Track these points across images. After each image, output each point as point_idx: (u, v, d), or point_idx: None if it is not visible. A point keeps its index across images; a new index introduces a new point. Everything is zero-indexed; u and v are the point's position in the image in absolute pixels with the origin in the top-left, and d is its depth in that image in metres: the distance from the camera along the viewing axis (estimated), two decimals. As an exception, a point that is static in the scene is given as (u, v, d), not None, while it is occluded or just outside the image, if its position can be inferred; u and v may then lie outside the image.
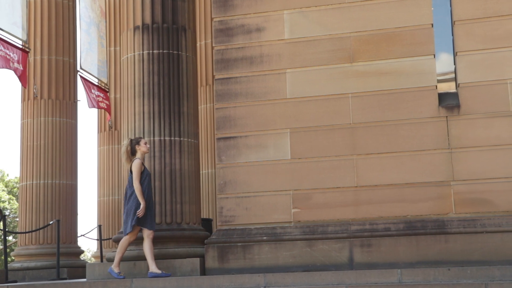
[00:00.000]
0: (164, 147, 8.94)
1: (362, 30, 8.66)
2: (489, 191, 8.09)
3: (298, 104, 8.70)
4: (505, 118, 8.15)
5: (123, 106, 9.31)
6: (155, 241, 8.41)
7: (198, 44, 13.18)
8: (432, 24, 8.50)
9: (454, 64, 8.64)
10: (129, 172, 8.37)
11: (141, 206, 8.11)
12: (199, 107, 12.87)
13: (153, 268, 8.13)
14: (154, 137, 8.94)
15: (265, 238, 8.45)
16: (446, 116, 8.31)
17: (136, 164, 8.26)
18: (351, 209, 8.38)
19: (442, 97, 8.43)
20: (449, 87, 8.59)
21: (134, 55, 9.17)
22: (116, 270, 8.24)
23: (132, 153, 8.38)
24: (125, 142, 8.50)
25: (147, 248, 8.18)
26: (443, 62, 8.73)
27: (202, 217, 10.05)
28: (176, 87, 9.12)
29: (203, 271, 8.50)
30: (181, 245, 8.70)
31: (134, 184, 8.19)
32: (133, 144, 8.39)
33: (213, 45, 9.11)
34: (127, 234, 8.26)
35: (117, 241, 9.06)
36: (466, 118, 8.26)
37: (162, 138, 8.94)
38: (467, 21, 8.42)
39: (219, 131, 8.91)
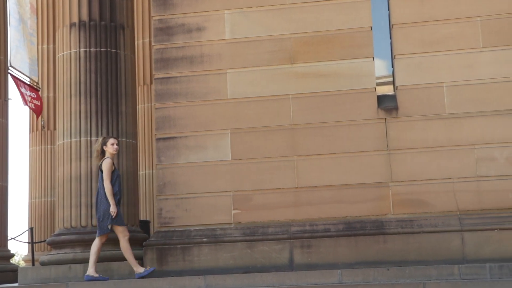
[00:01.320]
0: (102, 147, 8.70)
1: (303, 32, 8.68)
2: (426, 192, 8.23)
3: (238, 104, 8.65)
4: (441, 121, 8.31)
5: (58, 105, 9.04)
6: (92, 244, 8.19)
7: (136, 43, 12.93)
8: (371, 27, 8.59)
9: (392, 67, 8.78)
10: (99, 171, 8.09)
11: (111, 207, 7.85)
12: (137, 107, 12.62)
13: (137, 268, 7.90)
14: (91, 137, 8.71)
15: (205, 239, 8.35)
16: (385, 118, 8.41)
17: (105, 164, 7.99)
18: (291, 210, 8.38)
19: (381, 99, 8.53)
20: (389, 90, 8.70)
21: (70, 52, 8.92)
22: (96, 274, 7.90)
23: (102, 152, 8.11)
24: (98, 140, 8.21)
25: (124, 247, 7.96)
26: (383, 65, 8.86)
27: (139, 218, 9.86)
28: (114, 86, 8.92)
29: (142, 274, 8.32)
30: (119, 248, 8.48)
31: (104, 184, 7.91)
32: (102, 144, 8.11)
33: (153, 44, 8.95)
34: (100, 235, 7.97)
35: (51, 243, 8.79)
36: (404, 120, 8.38)
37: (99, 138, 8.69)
38: (404, 25, 8.56)
39: (158, 131, 8.76)
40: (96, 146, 8.17)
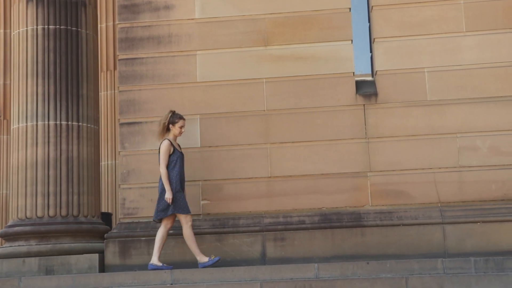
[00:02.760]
0: (60, 132, 8.10)
1: (278, 12, 8.20)
2: (406, 183, 7.84)
3: (208, 88, 8.13)
4: (422, 108, 7.93)
5: (13, 86, 8.38)
6: (49, 235, 7.60)
7: (99, 27, 12.28)
8: (350, 8, 8.16)
9: (371, 51, 8.36)
10: (158, 153, 7.48)
11: (167, 193, 7.25)
12: (100, 94, 11.96)
13: (200, 257, 7.28)
14: (49, 121, 8.09)
15: (171, 232, 7.78)
16: (363, 104, 7.99)
17: (163, 146, 7.38)
18: (264, 201, 7.90)
19: (360, 85, 8.11)
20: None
21: (26, 30, 8.26)
22: (159, 264, 7.30)
23: (167, 129, 7.49)
24: (166, 114, 7.53)
25: (188, 235, 7.32)
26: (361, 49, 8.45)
27: (101, 211, 9.27)
28: (74, 67, 8.30)
29: (103, 268, 7.77)
30: (78, 240, 7.92)
31: (160, 168, 7.33)
32: (169, 121, 7.48)
33: (117, 22, 8.37)
34: (162, 221, 7.37)
35: (3, 235, 8.14)
36: (384, 107, 7.97)
37: (58, 122, 8.10)
38: (384, 7, 8.15)
39: (122, 115, 8.18)
40: (163, 120, 7.50)
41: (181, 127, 7.53)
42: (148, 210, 7.92)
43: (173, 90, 8.16)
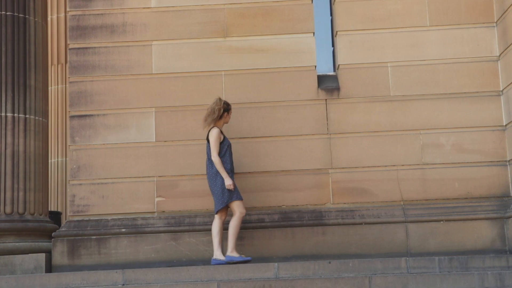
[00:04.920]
0: (6, 124, 7.63)
1: (238, 2, 7.91)
2: (368, 180, 7.63)
3: (165, 80, 7.78)
4: (386, 103, 7.73)
5: (-45, 75, 7.87)
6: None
7: (50, 18, 11.79)
8: (312, 0, 7.91)
9: (333, 45, 8.14)
10: (206, 142, 7.16)
11: (225, 181, 6.93)
12: (50, 88, 11.48)
13: (221, 252, 7.01)
14: (-7, 112, 7.63)
15: (124, 230, 7.43)
16: (325, 99, 7.74)
17: (213, 133, 7.05)
18: (221, 198, 7.56)
19: (322, 79, 7.87)
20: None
21: (-30, 15, 7.78)
22: (236, 254, 6.96)
23: (219, 117, 7.19)
24: (216, 101, 7.19)
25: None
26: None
27: (50, 210, 8.81)
28: (21, 56, 7.83)
29: (50, 269, 7.34)
30: (24, 239, 7.46)
31: (212, 157, 7.00)
32: (224, 108, 7.20)
33: (68, 9, 7.95)
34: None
35: None
36: (346, 102, 7.75)
37: (3, 114, 7.64)
38: None
39: (73, 108, 7.76)
40: (217, 106, 7.17)
41: (230, 114, 7.36)
42: (99, 208, 7.56)
43: (127, 82, 7.79)
